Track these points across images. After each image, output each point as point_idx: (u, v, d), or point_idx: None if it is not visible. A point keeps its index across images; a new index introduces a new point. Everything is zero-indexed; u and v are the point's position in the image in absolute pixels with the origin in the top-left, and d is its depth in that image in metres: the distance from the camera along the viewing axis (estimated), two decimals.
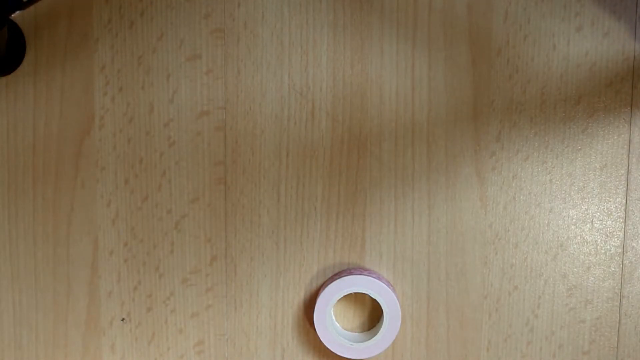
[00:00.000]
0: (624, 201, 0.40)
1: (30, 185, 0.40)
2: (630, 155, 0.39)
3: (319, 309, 0.38)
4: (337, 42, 0.39)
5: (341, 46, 0.39)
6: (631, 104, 0.39)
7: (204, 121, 0.40)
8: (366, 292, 0.37)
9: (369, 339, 0.38)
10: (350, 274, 0.38)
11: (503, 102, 0.39)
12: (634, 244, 0.40)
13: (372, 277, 0.38)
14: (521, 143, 0.40)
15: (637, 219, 0.40)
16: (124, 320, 0.40)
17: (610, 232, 0.40)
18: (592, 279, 0.40)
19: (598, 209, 0.40)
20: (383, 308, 0.38)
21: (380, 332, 0.38)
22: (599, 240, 0.40)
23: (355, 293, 0.39)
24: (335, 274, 0.39)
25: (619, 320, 0.40)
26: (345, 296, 0.39)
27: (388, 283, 0.39)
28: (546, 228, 0.40)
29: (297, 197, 0.40)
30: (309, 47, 0.39)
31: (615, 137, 0.39)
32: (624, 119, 0.39)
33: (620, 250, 0.40)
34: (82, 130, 0.40)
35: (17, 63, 0.39)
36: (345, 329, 0.40)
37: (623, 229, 0.40)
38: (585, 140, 0.40)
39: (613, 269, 0.40)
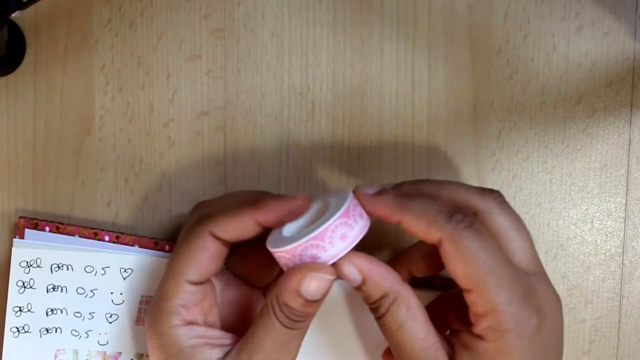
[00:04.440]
0: (624, 201, 0.40)
1: (30, 185, 0.40)
2: (630, 155, 0.39)
3: None
4: (337, 42, 0.39)
5: (341, 46, 0.39)
6: (631, 104, 0.39)
7: (204, 121, 0.40)
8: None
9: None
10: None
11: (503, 102, 0.39)
12: (634, 244, 0.40)
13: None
14: (521, 143, 0.40)
15: (637, 219, 0.40)
16: None
17: (610, 232, 0.40)
18: (592, 279, 0.40)
19: (598, 209, 0.40)
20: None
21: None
22: (599, 240, 0.40)
23: None
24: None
25: (619, 320, 0.40)
26: None
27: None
28: (546, 228, 0.40)
29: None
30: (309, 47, 0.39)
31: (615, 137, 0.39)
32: (624, 119, 0.39)
33: (620, 250, 0.40)
34: (82, 130, 0.40)
35: (17, 63, 0.39)
36: None
37: (623, 229, 0.40)
38: (585, 140, 0.40)
39: (613, 269, 0.40)
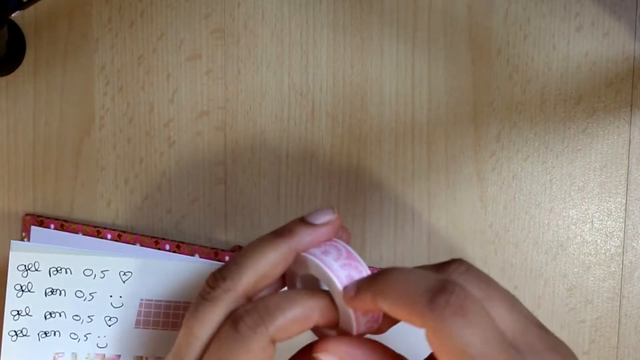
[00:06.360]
0: (624, 201, 0.40)
1: (30, 185, 0.40)
2: (630, 155, 0.39)
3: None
4: (337, 42, 0.39)
5: (341, 46, 0.39)
6: (631, 104, 0.39)
7: (204, 121, 0.40)
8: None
9: None
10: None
11: (503, 102, 0.39)
12: (634, 244, 0.40)
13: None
14: (521, 143, 0.40)
15: (637, 219, 0.40)
16: None
17: (610, 232, 0.40)
18: (592, 279, 0.40)
19: (598, 209, 0.40)
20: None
21: None
22: (599, 240, 0.40)
23: None
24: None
25: (619, 320, 0.40)
26: None
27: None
28: (546, 228, 0.40)
29: (297, 197, 0.40)
30: (309, 47, 0.39)
31: (615, 137, 0.39)
32: (624, 119, 0.39)
33: (620, 250, 0.40)
34: (82, 130, 0.40)
35: (17, 63, 0.39)
36: None
37: (623, 229, 0.40)
38: (585, 140, 0.40)
39: (613, 269, 0.40)
